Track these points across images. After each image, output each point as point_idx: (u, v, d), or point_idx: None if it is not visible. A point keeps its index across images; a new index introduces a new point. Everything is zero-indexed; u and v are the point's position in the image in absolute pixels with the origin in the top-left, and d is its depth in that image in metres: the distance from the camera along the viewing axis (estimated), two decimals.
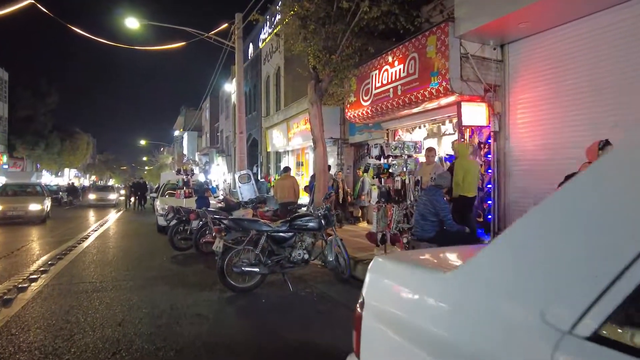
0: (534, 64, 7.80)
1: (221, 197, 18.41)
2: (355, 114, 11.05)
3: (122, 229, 13.35)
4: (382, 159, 6.75)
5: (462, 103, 7.96)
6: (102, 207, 24.94)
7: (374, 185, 6.66)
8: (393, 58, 9.44)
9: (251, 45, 25.98)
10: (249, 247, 5.40)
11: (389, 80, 9.55)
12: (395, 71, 9.34)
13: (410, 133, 11.68)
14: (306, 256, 5.69)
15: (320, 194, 9.99)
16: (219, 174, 30.10)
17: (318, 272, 6.69)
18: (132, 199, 24.38)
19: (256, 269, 5.32)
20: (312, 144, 16.16)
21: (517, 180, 8.14)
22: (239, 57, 15.72)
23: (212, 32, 15.83)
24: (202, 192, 11.20)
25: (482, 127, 8.65)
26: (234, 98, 28.28)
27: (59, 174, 46.25)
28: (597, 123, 6.85)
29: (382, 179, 6.69)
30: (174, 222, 8.63)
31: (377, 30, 9.65)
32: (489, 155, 8.64)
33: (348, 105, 11.27)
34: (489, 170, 8.54)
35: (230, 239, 5.36)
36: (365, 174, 12.19)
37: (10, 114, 34.30)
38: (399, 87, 9.19)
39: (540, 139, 7.74)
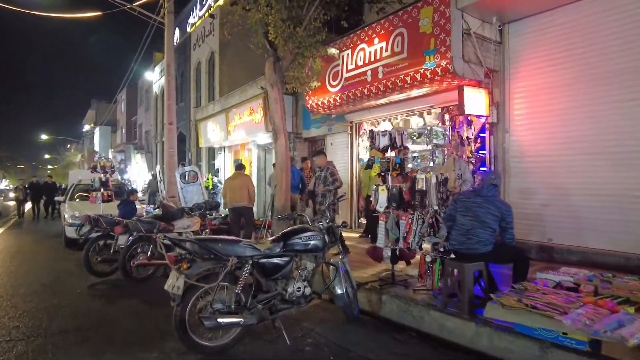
0: (539, 47, 6.65)
1: (142, 196, 15.43)
2: (319, 103, 9.29)
3: (12, 244, 10.07)
4: (389, 150, 5.08)
5: (465, 87, 6.59)
6: None
7: (381, 186, 4.93)
8: (372, 34, 7.83)
9: (178, 31, 23.02)
10: (225, 283, 3.38)
11: (367, 61, 7.93)
12: (375, 50, 7.74)
13: (375, 127, 10.22)
14: (307, 290, 3.81)
15: (283, 196, 8.07)
16: (138, 173, 26.50)
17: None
18: (31, 205, 17.31)
19: (238, 319, 3.32)
20: (255, 138, 14.08)
21: (519, 179, 6.96)
22: (169, 35, 13.09)
23: (137, 4, 13.05)
24: (128, 195, 8.70)
25: (469, 118, 7.41)
26: (156, 88, 24.94)
27: None
28: (614, 114, 5.87)
29: (388, 178, 5.01)
30: (92, 235, 6.16)
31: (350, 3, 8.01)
32: (482, 151, 7.40)
33: (310, 92, 9.46)
34: (482, 168, 7.29)
35: (196, 272, 3.29)
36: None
37: None
38: (381, 68, 7.60)
39: (546, 132, 6.62)
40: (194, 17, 20.53)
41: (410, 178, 4.78)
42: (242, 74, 16.22)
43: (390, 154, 5.05)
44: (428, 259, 4.58)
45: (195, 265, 3.29)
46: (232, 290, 3.42)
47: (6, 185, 47.14)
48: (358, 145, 10.17)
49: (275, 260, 3.65)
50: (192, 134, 19.06)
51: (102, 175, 8.95)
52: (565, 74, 6.38)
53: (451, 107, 7.93)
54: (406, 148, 4.84)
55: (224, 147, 16.47)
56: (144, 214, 9.44)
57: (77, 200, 10.61)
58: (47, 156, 49.25)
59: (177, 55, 21.67)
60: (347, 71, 8.37)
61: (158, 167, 10.36)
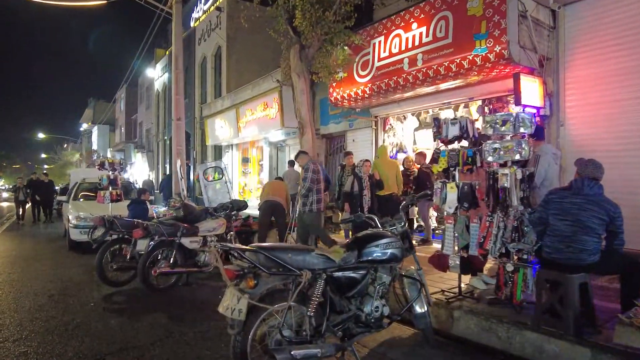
0: (599, 31, 5.97)
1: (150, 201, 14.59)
2: (344, 95, 8.54)
3: (10, 248, 9.17)
4: (456, 142, 4.36)
5: (522, 75, 5.90)
6: None
7: (449, 183, 4.21)
8: (410, 19, 7.12)
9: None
10: (294, 303, 2.64)
11: (403, 48, 7.21)
12: (414, 36, 7.03)
13: (402, 122, 9.53)
14: (386, 310, 3.07)
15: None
16: (138, 173, 25.61)
17: None
18: (28, 206, 14.62)
19: (315, 350, 2.57)
20: (267, 135, 13.29)
21: None
22: (177, 25, 12.35)
23: None
24: (139, 195, 7.92)
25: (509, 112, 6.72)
26: (157, 85, 24.11)
27: None
28: None
29: (456, 173, 4.30)
30: (107, 238, 5.38)
31: None
32: None
33: (334, 84, 8.72)
34: None
35: (260, 292, 2.56)
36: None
37: None
38: (420, 55, 6.89)
39: (606, 125, 5.94)
40: (197, 12, 19.71)
41: (485, 174, 4.06)
42: (250, 68, 15.47)
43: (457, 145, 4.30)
44: (509, 268, 3.87)
45: (262, 282, 2.55)
46: (300, 312, 2.69)
47: (1, 185, 45.85)
48: (383, 142, 9.44)
49: (352, 273, 2.92)
50: (197, 132, 18.25)
51: (110, 172, 8.16)
52: (628, 60, 5.71)
53: (494, 100, 7.27)
54: (484, 138, 4.11)
55: (232, 145, 15.69)
56: (154, 215, 8.68)
57: (82, 200, 9.79)
58: (43, 155, 48.06)
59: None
60: (380, 59, 7.65)
61: (179, 163, 9.51)
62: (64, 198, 10.86)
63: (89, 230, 5.63)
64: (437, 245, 6.61)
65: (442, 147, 4.51)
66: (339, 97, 8.67)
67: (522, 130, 3.74)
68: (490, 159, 3.88)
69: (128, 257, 5.29)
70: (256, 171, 15.10)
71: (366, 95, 8.11)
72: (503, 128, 3.78)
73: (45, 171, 22.55)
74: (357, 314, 2.96)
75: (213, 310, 4.43)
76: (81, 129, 47.14)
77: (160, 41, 24.98)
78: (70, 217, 8.50)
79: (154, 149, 24.72)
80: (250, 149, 15.03)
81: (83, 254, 8.06)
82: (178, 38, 12.53)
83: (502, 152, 3.80)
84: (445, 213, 4.31)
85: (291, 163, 9.49)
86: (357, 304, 2.99)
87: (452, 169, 4.25)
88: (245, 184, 15.50)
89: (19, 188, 13.97)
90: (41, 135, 41.25)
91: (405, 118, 9.40)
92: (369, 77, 7.89)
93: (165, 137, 23.00)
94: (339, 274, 2.86)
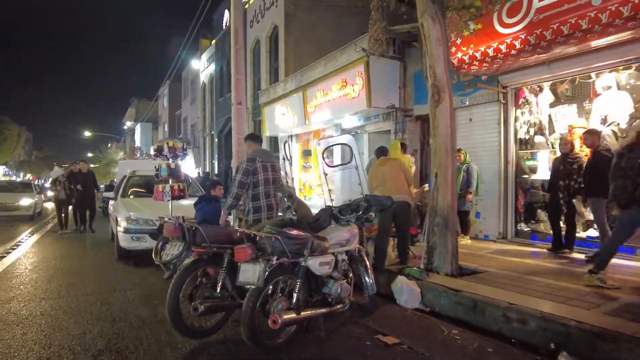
0: None
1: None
2: (475, 55, 6.16)
3: (46, 257, 6.98)
4: None
5: None
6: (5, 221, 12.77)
7: None
8: None
9: (227, 13, 20.47)
10: None
11: None
12: None
13: (536, 96, 7.09)
14: None
15: (449, 191, 5.01)
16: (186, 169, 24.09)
17: None
18: (72, 207, 10.68)
19: None
20: (340, 121, 11.02)
21: None
22: None
23: None
24: (208, 190, 5.87)
25: None
26: (203, 77, 22.43)
27: None
28: None
29: None
30: (183, 256, 3.17)
31: None
32: None
33: (459, 42, 6.36)
34: None
35: None
36: (469, 160, 7.35)
37: None
38: None
39: None
40: None
41: None
42: (309, 50, 13.33)
43: None
44: None
45: None
46: None
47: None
48: (516, 120, 7.01)
49: None
50: (250, 123, 16.28)
51: (169, 161, 6.14)
52: None
53: None
54: None
55: (291, 136, 13.56)
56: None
57: (132, 196, 7.87)
58: (89, 154, 47.95)
59: (228, 39, 19.03)
60: None
61: (287, 146, 7.39)
62: (110, 194, 9.02)
63: (157, 245, 3.43)
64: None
65: None
66: (466, 57, 6.31)
67: None
68: None
69: (218, 290, 3.14)
70: (317, 165, 12.91)
71: (512, 52, 5.71)
72: None
73: (83, 159, 17.75)
74: None
75: None
76: (124, 127, 46.63)
77: (204, 31, 23.35)
78: (119, 219, 6.55)
79: (200, 145, 23.09)
80: (314, 139, 12.85)
81: (136, 266, 6.13)
82: (238, 9, 10.45)
83: None
84: None
85: (380, 151, 6.64)
86: None
87: None
88: (306, 180, 13.37)
89: (60, 182, 10.42)
90: (87, 134, 40.85)
91: (540, 90, 6.96)
92: (522, 25, 5.48)
93: (213, 132, 21.29)
94: None
